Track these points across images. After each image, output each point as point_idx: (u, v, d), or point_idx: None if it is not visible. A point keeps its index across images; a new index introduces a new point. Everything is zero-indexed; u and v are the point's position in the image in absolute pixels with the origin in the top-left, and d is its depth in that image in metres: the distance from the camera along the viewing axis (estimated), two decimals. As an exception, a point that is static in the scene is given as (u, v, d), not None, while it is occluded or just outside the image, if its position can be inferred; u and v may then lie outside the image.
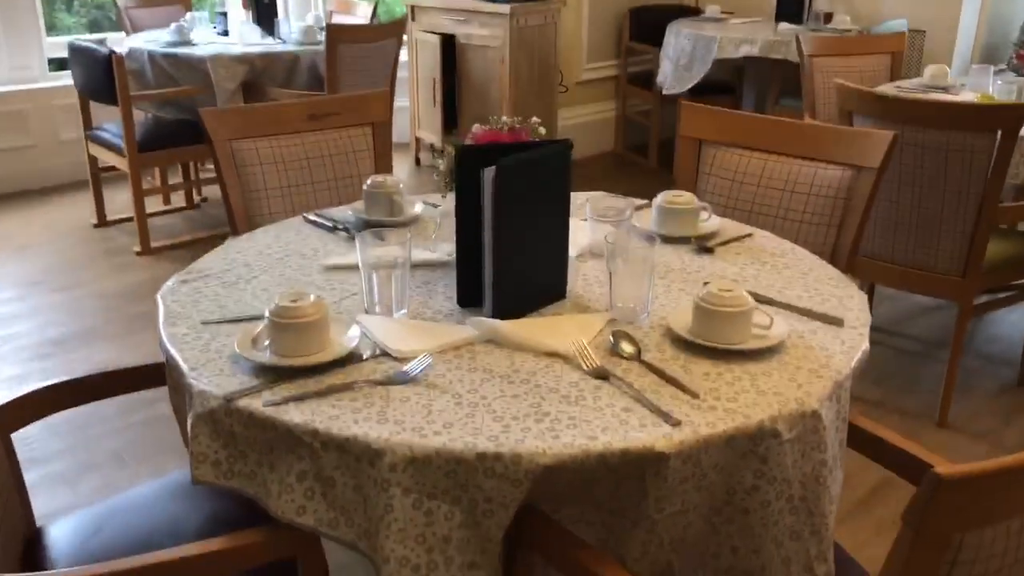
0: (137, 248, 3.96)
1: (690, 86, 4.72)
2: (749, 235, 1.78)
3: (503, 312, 1.38)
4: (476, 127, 1.56)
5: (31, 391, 1.48)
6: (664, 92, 4.91)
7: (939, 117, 2.43)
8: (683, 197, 1.77)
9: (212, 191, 4.46)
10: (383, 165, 2.35)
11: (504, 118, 1.57)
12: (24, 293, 3.59)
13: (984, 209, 2.45)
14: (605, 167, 5.40)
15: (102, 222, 4.26)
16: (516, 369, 1.25)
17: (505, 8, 4.61)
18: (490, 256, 1.36)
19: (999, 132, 2.36)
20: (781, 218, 2.03)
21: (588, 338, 1.31)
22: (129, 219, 4.14)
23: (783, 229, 2.00)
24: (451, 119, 5.00)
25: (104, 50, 3.74)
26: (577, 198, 1.87)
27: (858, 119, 2.57)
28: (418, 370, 1.24)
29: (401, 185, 1.87)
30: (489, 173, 1.33)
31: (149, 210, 4.08)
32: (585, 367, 1.23)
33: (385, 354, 1.29)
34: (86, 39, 4.65)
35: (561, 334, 1.32)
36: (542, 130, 1.57)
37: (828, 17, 4.77)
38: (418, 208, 1.87)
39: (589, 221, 1.68)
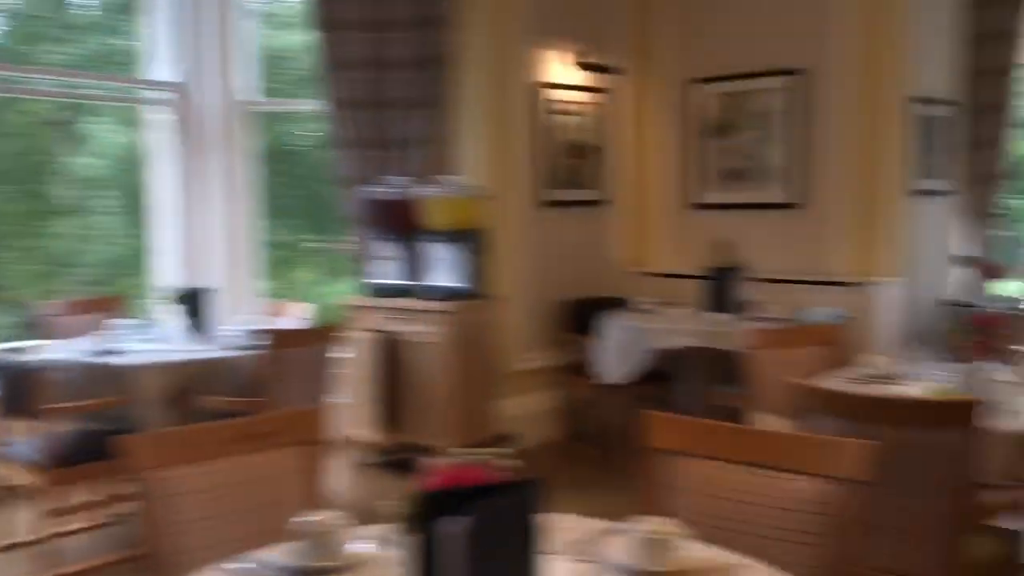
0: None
1: (630, 374, 4.73)
2: (741, 567, 1.61)
3: None
4: (433, 460, 1.41)
5: None
6: (602, 382, 4.89)
7: (903, 414, 2.38)
8: (663, 526, 1.61)
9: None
10: (317, 492, 2.16)
11: (465, 451, 1.42)
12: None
13: (957, 508, 2.34)
14: (550, 458, 5.25)
15: None
16: None
17: (447, 306, 4.64)
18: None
19: (961, 428, 2.31)
20: (761, 536, 1.87)
21: None
22: (32, 542, 3.75)
23: (764, 549, 1.83)
24: (392, 416, 4.87)
25: (24, 360, 3.56)
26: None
27: (812, 415, 2.50)
28: None
29: (338, 519, 1.67)
30: (453, 526, 1.15)
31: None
32: None
33: None
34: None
35: None
36: (506, 463, 1.42)
37: (754, 306, 4.91)
38: (364, 548, 1.66)
39: (560, 559, 1.50)
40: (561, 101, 5.64)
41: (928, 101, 5.38)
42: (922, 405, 2.47)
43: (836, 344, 3.59)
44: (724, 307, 4.95)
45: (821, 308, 4.86)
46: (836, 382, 3.05)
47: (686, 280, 5.46)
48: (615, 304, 5.45)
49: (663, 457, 2.01)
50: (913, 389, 2.74)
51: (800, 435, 1.95)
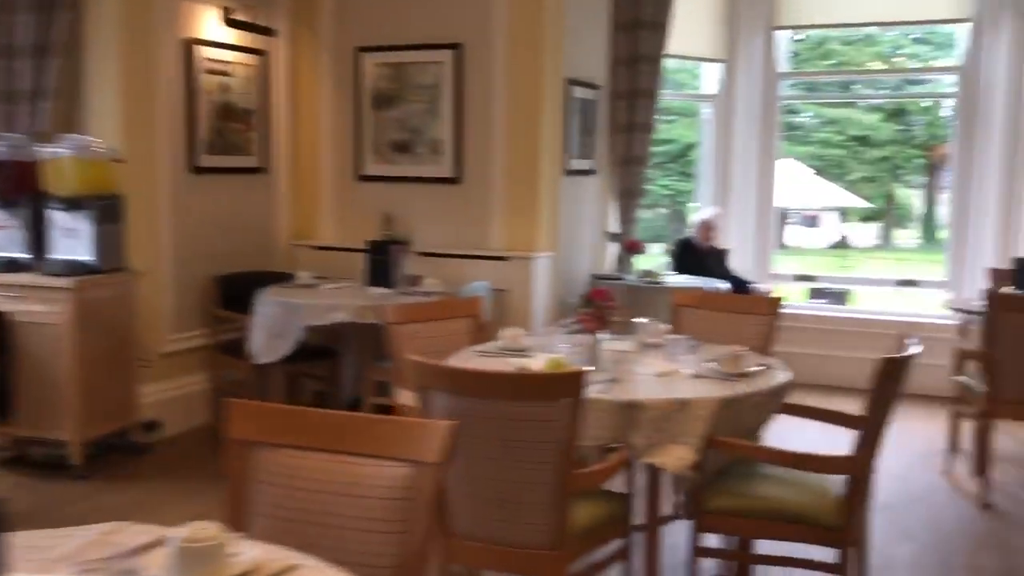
0: None
1: (283, 353, 4.50)
2: (294, 568, 1.46)
3: None
4: None
5: None
6: (258, 361, 4.62)
7: (508, 389, 2.37)
8: (207, 531, 1.42)
9: None
10: None
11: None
12: None
13: (563, 477, 2.38)
14: (198, 443, 4.89)
15: None
16: None
17: (67, 282, 4.12)
18: None
19: (566, 399, 2.34)
20: (343, 527, 1.74)
21: None
22: None
23: (347, 541, 1.72)
24: (6, 408, 4.26)
25: None
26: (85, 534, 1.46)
27: (432, 392, 2.45)
28: None
29: None
30: None
31: None
32: None
33: None
34: None
35: None
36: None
37: (417, 280, 4.87)
38: None
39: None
40: (216, 60, 5.23)
41: (583, 84, 5.62)
42: (527, 379, 2.48)
43: (478, 317, 3.60)
44: (386, 281, 4.87)
45: (479, 282, 4.93)
46: (467, 356, 3.03)
47: (351, 253, 5.31)
48: (277, 279, 5.19)
49: (245, 448, 1.82)
50: (535, 361, 2.77)
51: (381, 418, 1.85)
